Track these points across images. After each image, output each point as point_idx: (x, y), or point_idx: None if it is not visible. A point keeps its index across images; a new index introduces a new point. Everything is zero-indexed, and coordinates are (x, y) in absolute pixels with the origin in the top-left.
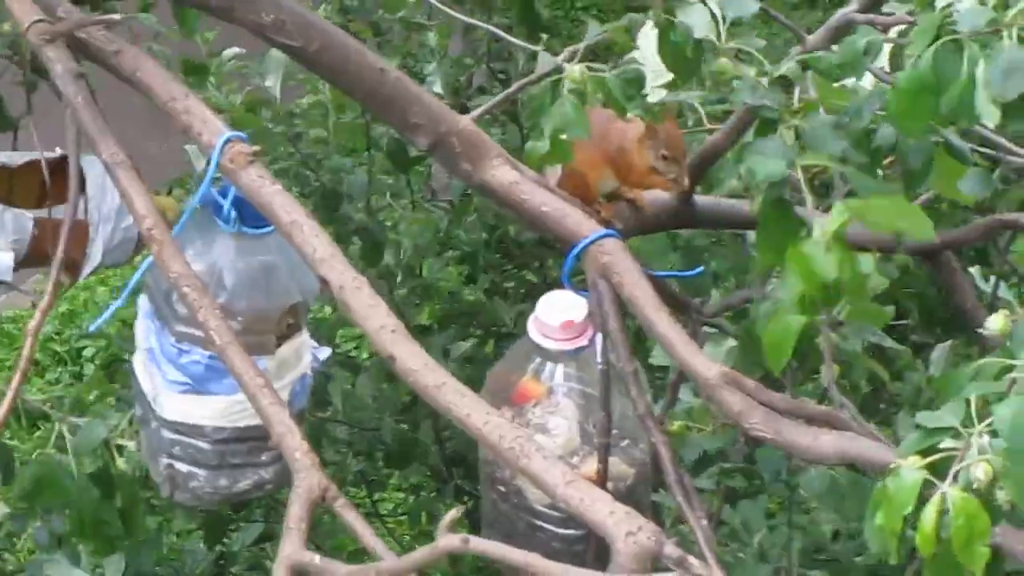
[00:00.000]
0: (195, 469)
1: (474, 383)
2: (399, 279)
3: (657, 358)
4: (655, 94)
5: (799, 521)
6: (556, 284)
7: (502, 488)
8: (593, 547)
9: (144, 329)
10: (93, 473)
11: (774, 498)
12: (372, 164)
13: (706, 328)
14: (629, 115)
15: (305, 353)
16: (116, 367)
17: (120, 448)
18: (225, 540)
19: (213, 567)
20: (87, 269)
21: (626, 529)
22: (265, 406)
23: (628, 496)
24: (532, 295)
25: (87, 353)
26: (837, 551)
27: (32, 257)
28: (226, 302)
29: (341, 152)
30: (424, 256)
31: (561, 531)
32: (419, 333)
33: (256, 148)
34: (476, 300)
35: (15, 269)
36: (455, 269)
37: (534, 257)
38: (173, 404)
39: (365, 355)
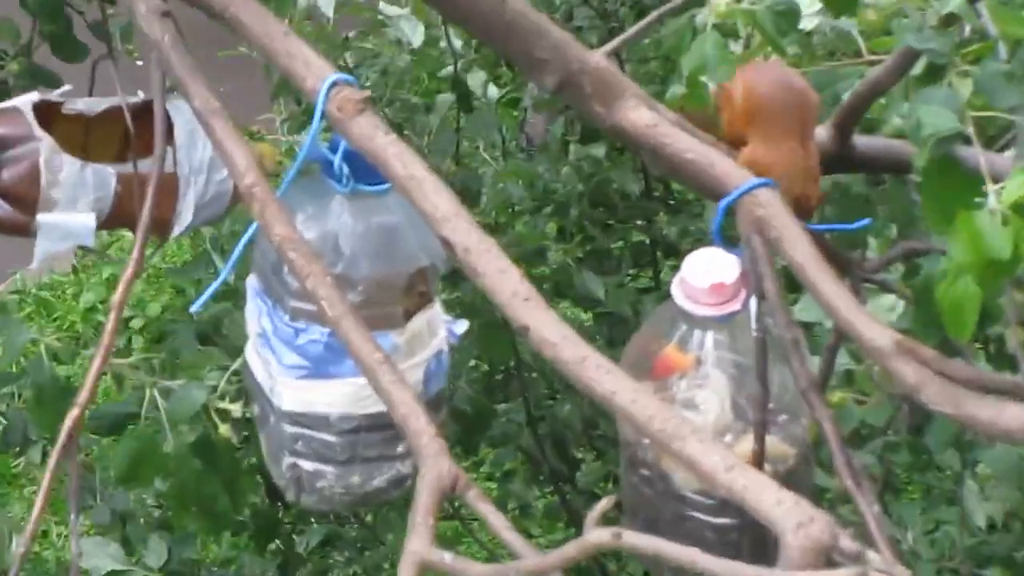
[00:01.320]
0: (322, 466)
1: None
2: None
3: (803, 312)
4: (808, 21)
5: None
6: (664, 243)
7: (645, 472)
8: (749, 537)
9: (255, 310)
10: (194, 442)
11: (947, 476)
12: (458, 106)
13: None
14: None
15: (439, 326)
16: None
17: (222, 413)
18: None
19: (276, 572)
20: (178, 228)
21: (796, 520)
22: (385, 384)
23: (788, 479)
24: (638, 256)
25: (135, 324)
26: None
27: (115, 217)
28: (344, 270)
29: (414, 90)
30: (517, 212)
31: (713, 520)
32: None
33: (366, 93)
34: (561, 266)
35: (97, 230)
36: (554, 225)
37: (641, 211)
38: (292, 392)
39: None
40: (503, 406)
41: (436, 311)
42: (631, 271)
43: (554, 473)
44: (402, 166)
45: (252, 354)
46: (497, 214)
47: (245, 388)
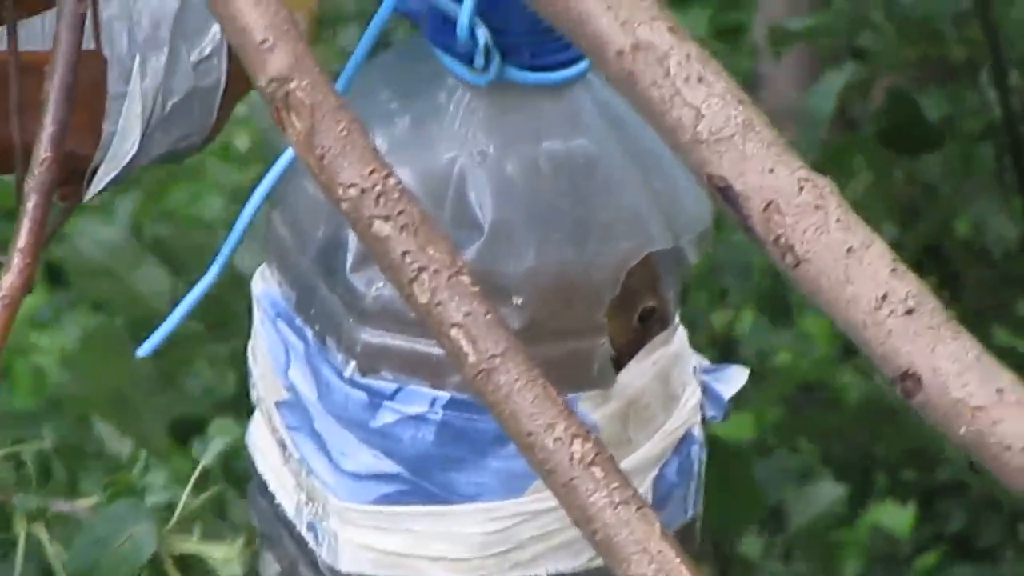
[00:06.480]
0: None
1: None
2: None
3: None
4: None
5: None
6: None
7: None
8: None
9: (274, 352)
10: None
11: None
12: None
13: None
14: None
15: (687, 382)
16: None
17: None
18: None
19: None
20: (108, 170)
21: None
22: (598, 509)
23: None
24: None
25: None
26: None
27: None
28: (484, 259)
29: None
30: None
31: None
32: None
33: None
34: None
35: None
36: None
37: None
38: (362, 536)
39: None
40: None
41: (678, 349)
42: None
43: None
44: (618, 25)
45: (265, 444)
46: None
47: (250, 517)
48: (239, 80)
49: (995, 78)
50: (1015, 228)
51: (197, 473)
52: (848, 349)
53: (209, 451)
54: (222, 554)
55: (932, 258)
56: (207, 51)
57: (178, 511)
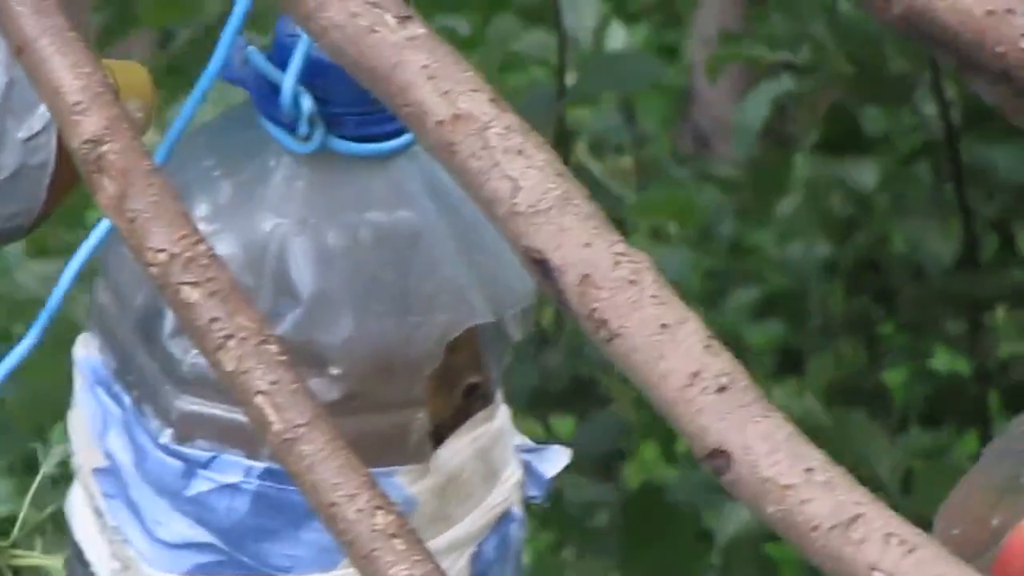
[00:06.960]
0: None
1: None
2: None
3: None
4: None
5: None
6: (1005, 378)
7: None
8: None
9: (93, 419)
10: None
11: None
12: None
13: None
14: None
15: (506, 460)
16: None
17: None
18: None
19: None
20: None
21: None
22: None
23: None
24: (950, 399)
25: None
26: None
27: None
28: (301, 330)
29: None
30: None
31: None
32: None
33: None
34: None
35: None
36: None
37: (959, 299)
38: None
39: None
40: None
41: (500, 424)
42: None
43: None
44: (438, 96)
45: (81, 514)
46: None
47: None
48: (71, 166)
49: (934, 92)
50: (951, 245)
51: (37, 483)
52: (784, 366)
53: (49, 460)
54: (63, 565)
55: (867, 273)
56: (36, 128)
57: (18, 523)
